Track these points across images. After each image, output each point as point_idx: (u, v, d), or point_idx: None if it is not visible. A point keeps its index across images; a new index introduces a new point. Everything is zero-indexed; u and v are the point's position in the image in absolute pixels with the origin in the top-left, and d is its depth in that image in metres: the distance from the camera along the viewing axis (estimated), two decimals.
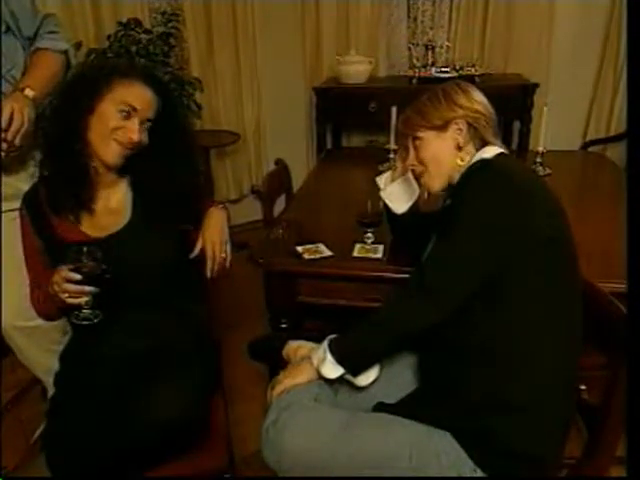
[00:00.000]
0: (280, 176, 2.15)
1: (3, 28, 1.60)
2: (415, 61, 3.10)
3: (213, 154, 3.36)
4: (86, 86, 1.28)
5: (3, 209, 1.67)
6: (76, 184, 1.33)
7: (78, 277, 1.21)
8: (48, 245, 1.36)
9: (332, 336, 1.22)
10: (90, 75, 1.31)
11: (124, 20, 2.82)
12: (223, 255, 1.38)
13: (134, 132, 1.28)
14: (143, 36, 2.73)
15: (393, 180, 1.52)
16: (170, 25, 2.83)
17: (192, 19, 3.13)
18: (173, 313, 1.42)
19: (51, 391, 1.84)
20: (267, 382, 1.36)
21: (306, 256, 1.59)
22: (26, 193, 1.40)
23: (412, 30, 3.34)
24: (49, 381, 1.85)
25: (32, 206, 1.37)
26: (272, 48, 3.38)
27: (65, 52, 1.72)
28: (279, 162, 2.16)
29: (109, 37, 2.80)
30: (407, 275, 1.29)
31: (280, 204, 2.16)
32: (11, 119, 1.47)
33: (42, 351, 1.80)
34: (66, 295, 1.23)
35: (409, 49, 3.25)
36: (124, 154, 1.31)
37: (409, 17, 3.32)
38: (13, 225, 1.67)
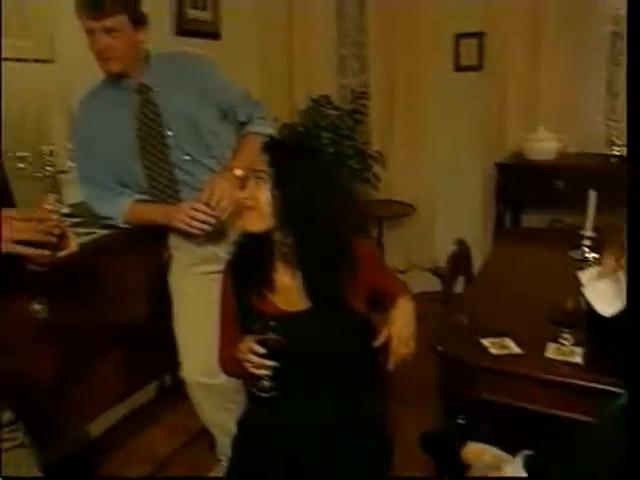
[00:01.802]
0: (461, 257, 2.07)
1: (221, 115, 1.80)
2: (615, 139, 2.87)
3: (385, 224, 3.39)
4: None
5: (200, 271, 1.82)
6: (264, 263, 1.39)
7: (262, 351, 1.25)
8: (241, 311, 1.41)
9: (528, 452, 1.09)
10: None
11: (315, 97, 3.02)
12: (407, 351, 1.33)
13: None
14: (332, 112, 2.89)
15: (601, 277, 1.37)
16: (358, 102, 2.96)
17: (376, 95, 3.25)
18: (349, 396, 1.39)
19: (221, 447, 1.93)
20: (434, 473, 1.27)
21: (493, 351, 1.47)
22: (232, 259, 1.48)
23: (611, 105, 3.10)
24: (218, 436, 1.94)
25: (235, 272, 1.45)
26: (450, 120, 3.37)
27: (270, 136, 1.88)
28: (461, 243, 2.09)
29: (300, 112, 3.02)
30: (609, 387, 1.15)
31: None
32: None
33: (217, 408, 1.88)
34: (249, 365, 1.27)
35: (607, 125, 3.01)
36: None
37: (609, 91, 3.09)
38: (208, 285, 1.81)
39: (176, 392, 2.30)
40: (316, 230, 1.32)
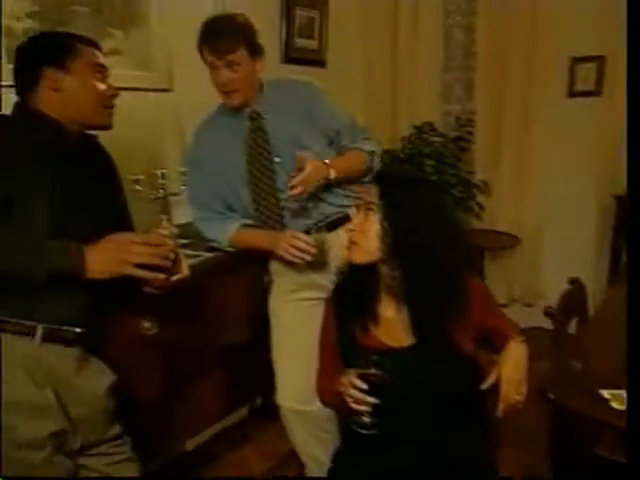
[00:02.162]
0: (575, 297, 1.92)
1: (327, 142, 1.82)
2: None
3: (488, 255, 3.25)
4: None
5: (299, 297, 1.83)
6: (368, 295, 1.36)
7: (364, 387, 1.20)
8: (343, 342, 1.39)
9: None
10: None
11: (419, 123, 2.98)
12: (518, 397, 1.24)
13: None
14: (436, 139, 2.84)
15: None
16: (463, 129, 2.88)
17: (482, 122, 3.15)
18: (453, 436, 1.32)
19: (309, 472, 1.91)
20: None
21: (615, 405, 1.33)
22: (337, 288, 1.47)
23: None
24: (308, 462, 1.91)
25: (339, 303, 1.43)
26: (561, 147, 3.18)
27: (372, 153, 1.85)
28: (575, 282, 1.95)
29: (403, 139, 2.99)
30: None
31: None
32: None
33: (309, 435, 1.86)
34: (350, 399, 1.23)
35: None
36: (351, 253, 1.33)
37: None
38: (307, 312, 1.81)
39: (268, 413, 2.32)
40: (425, 263, 1.28)
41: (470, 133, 2.98)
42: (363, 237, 1.30)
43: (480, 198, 2.94)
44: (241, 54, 1.66)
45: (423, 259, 1.28)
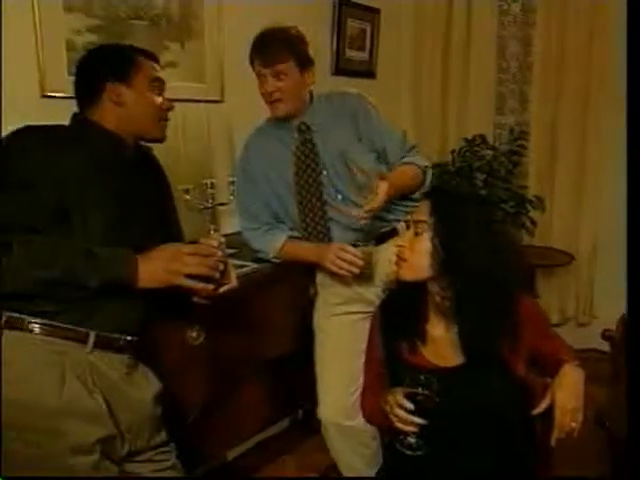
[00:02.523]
0: None
1: (375, 156, 1.80)
2: None
3: (540, 273, 3.14)
4: None
5: (344, 310, 1.81)
6: (416, 317, 1.34)
7: (410, 407, 1.18)
8: (389, 360, 1.37)
9: None
10: None
11: (469, 136, 2.92)
12: (573, 425, 1.18)
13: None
14: (487, 152, 2.77)
15: None
16: (517, 143, 2.80)
17: (537, 135, 3.06)
18: (501, 459, 1.27)
19: None
20: None
21: None
22: (382, 304, 1.46)
23: None
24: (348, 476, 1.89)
25: (386, 320, 1.41)
26: (619, 164, 3.04)
27: (425, 168, 1.83)
28: None
29: (453, 152, 2.93)
30: None
31: None
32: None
33: (350, 450, 1.85)
34: (395, 419, 1.20)
35: None
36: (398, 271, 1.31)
37: None
38: (351, 326, 1.80)
39: (309, 426, 2.31)
40: (477, 282, 1.25)
41: (524, 146, 2.89)
42: (412, 254, 1.28)
43: (533, 214, 2.84)
44: (289, 65, 1.67)
45: (475, 278, 1.24)
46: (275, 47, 1.65)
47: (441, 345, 1.33)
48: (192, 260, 1.14)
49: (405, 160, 1.82)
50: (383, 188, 1.56)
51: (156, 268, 1.13)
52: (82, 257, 1.10)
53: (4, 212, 1.08)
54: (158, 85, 1.29)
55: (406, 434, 1.22)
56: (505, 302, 1.28)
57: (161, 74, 1.32)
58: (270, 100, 1.70)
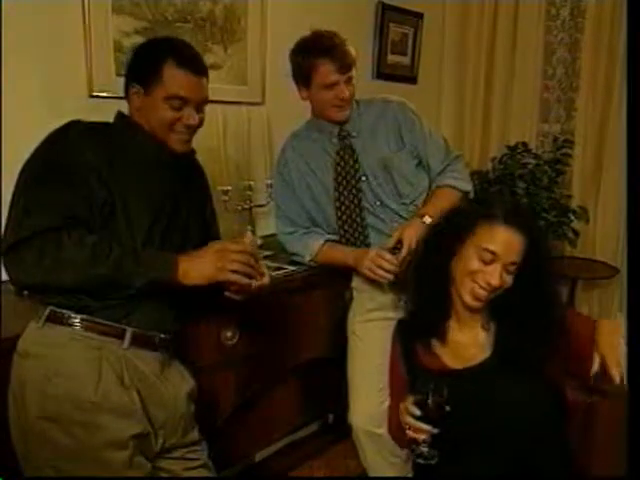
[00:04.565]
0: None
1: (415, 163, 1.78)
2: None
3: (579, 285, 3.04)
4: (452, 232, 1.30)
5: (378, 316, 1.79)
6: (438, 318, 1.34)
7: (417, 413, 1.16)
8: (410, 370, 1.36)
9: None
10: (455, 221, 1.33)
11: (512, 144, 2.86)
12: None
13: (493, 277, 1.22)
14: (530, 161, 2.70)
15: None
16: (561, 152, 2.72)
17: (583, 143, 2.97)
18: (525, 472, 1.24)
19: None
20: None
21: None
22: (399, 323, 1.46)
23: None
24: None
25: (403, 336, 1.41)
26: None
27: (466, 193, 1.80)
28: None
29: (493, 159, 2.87)
30: None
31: None
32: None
33: (380, 458, 1.82)
34: (407, 427, 1.19)
35: None
36: (484, 297, 1.25)
37: None
38: (385, 332, 1.77)
39: (339, 430, 2.29)
40: (538, 288, 1.26)
41: (568, 155, 2.81)
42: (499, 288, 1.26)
43: (576, 224, 2.76)
44: (354, 71, 1.70)
45: (532, 285, 1.25)
46: (349, 53, 1.67)
47: (460, 347, 1.32)
48: (238, 257, 1.16)
49: (449, 182, 1.78)
50: (405, 249, 1.60)
51: (204, 265, 1.15)
52: (130, 256, 1.12)
53: (56, 204, 1.10)
54: (178, 103, 1.21)
55: (418, 443, 1.19)
56: (555, 309, 1.28)
57: (189, 90, 1.22)
58: (340, 105, 1.70)
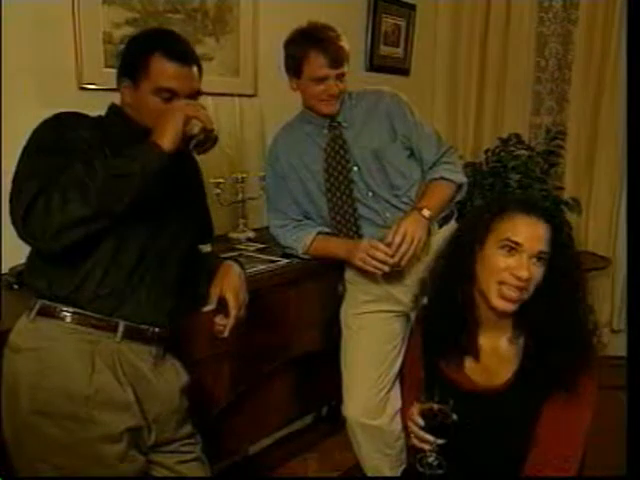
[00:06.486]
0: None
1: (407, 154, 1.78)
2: None
3: None
4: (470, 236, 1.24)
5: (372, 309, 1.80)
6: (457, 330, 1.25)
7: (420, 423, 1.15)
8: (427, 370, 1.33)
9: None
10: (472, 223, 1.27)
11: (504, 136, 2.86)
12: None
13: (521, 269, 1.13)
14: (522, 152, 2.71)
15: None
16: (554, 143, 2.73)
17: (575, 135, 2.98)
18: None
19: None
20: None
21: None
22: (422, 311, 1.41)
23: None
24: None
25: (428, 333, 1.35)
26: None
27: (460, 186, 1.79)
28: None
29: (487, 151, 2.87)
30: None
31: None
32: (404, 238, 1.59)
33: (374, 450, 1.83)
34: (412, 435, 1.18)
35: None
36: (513, 297, 1.17)
37: None
38: (379, 325, 1.79)
39: (333, 423, 2.30)
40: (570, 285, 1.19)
41: (561, 147, 2.82)
42: (530, 283, 1.18)
43: (569, 216, 2.77)
44: (346, 67, 1.69)
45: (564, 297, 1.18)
46: (342, 48, 1.66)
47: (484, 359, 1.25)
48: (196, 108, 1.14)
49: (443, 174, 1.75)
50: (409, 232, 1.60)
51: (168, 123, 1.12)
52: (120, 159, 1.10)
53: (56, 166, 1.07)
54: (167, 95, 1.19)
55: (425, 452, 1.17)
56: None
57: (177, 82, 1.19)
58: (329, 99, 1.69)
